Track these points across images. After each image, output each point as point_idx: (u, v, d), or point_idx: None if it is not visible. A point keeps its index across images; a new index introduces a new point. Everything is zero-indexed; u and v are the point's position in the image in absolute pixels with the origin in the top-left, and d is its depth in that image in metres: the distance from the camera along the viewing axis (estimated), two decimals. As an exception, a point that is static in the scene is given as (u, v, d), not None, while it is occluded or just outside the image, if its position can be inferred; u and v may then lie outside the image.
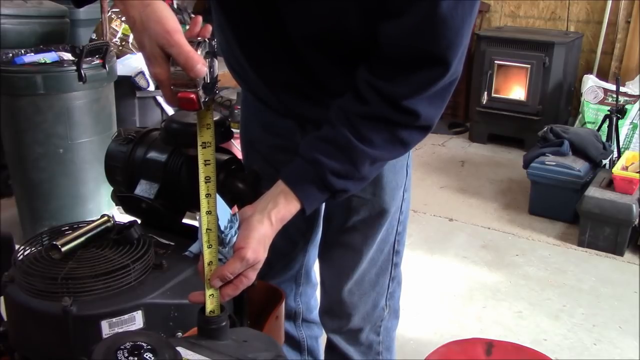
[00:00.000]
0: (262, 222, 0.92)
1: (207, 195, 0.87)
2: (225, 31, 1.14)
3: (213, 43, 0.83)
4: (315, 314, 1.61)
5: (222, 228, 0.87)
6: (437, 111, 0.99)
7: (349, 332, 1.37)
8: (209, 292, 0.85)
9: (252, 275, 0.90)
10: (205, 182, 0.87)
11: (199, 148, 0.87)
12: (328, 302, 1.38)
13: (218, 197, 0.88)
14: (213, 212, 0.86)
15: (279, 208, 0.94)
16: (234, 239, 0.89)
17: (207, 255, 0.86)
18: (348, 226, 1.27)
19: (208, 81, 0.81)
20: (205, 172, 0.87)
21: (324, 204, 1.36)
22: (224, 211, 0.89)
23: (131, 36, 3.22)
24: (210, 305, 0.85)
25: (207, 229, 0.86)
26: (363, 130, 0.96)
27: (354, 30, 0.95)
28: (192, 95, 0.80)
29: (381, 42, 0.93)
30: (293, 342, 1.59)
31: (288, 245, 1.42)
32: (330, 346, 1.42)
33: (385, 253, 1.32)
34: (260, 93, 1.21)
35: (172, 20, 0.81)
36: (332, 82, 1.07)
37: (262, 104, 1.23)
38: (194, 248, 1.01)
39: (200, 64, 0.78)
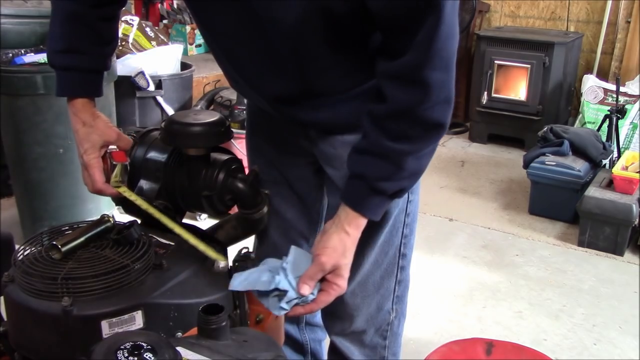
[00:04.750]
0: (338, 231, 1.01)
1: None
2: (213, 45, 1.14)
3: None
4: (319, 317, 1.60)
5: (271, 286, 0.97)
6: (445, 75, 0.96)
7: (353, 334, 1.36)
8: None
9: (340, 282, 1.00)
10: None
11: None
12: (330, 304, 1.38)
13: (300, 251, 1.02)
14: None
15: (349, 219, 1.03)
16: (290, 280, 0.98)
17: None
18: None
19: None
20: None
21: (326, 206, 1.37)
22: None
23: (131, 36, 3.22)
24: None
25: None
26: (394, 129, 0.97)
27: (336, 8, 0.94)
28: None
29: (374, 15, 0.93)
30: (296, 345, 1.58)
31: (288, 246, 1.42)
32: (333, 349, 1.41)
33: (391, 256, 1.31)
34: (259, 103, 1.21)
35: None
36: (322, 82, 1.07)
37: (263, 111, 1.24)
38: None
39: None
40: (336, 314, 1.36)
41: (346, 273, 1.01)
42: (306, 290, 0.96)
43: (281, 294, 0.97)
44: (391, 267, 1.32)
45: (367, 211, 1.03)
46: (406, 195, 1.27)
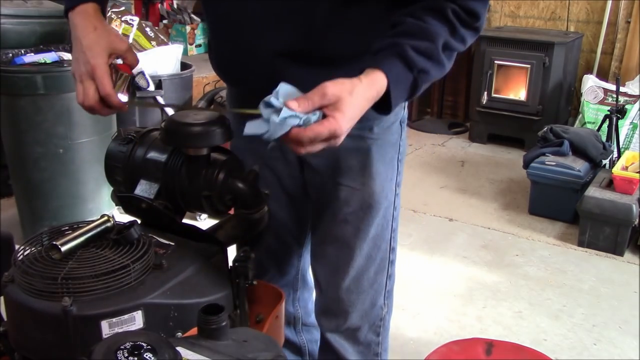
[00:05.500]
0: (350, 78, 0.93)
1: None
2: (217, 11, 1.14)
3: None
4: (313, 318, 1.61)
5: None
6: (485, 8, 1.02)
7: (347, 331, 1.36)
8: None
9: (338, 116, 0.89)
10: None
11: None
12: (325, 301, 1.37)
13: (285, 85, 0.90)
14: None
15: (368, 73, 0.95)
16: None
17: None
18: (339, 219, 1.26)
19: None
20: None
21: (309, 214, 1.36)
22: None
23: (131, 36, 3.22)
24: None
25: None
26: (427, 19, 0.99)
27: None
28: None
29: None
30: (294, 348, 1.58)
31: (280, 248, 1.42)
32: (327, 347, 1.41)
33: (383, 250, 1.32)
34: (250, 75, 1.18)
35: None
36: (328, 39, 1.07)
37: (248, 91, 1.23)
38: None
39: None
40: (331, 311, 1.36)
41: (347, 111, 0.90)
42: (294, 105, 0.87)
43: (275, 111, 0.89)
44: (383, 262, 1.33)
45: (388, 70, 0.95)
46: (393, 188, 1.28)
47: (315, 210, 1.32)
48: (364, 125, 1.15)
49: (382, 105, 0.97)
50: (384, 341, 1.41)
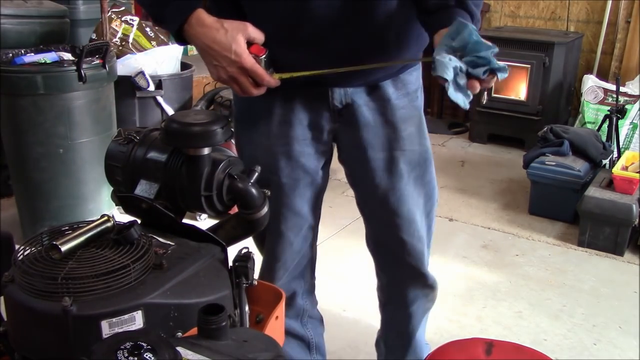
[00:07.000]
0: None
1: None
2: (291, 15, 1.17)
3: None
4: (316, 310, 1.62)
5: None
6: None
7: (424, 277, 1.58)
8: None
9: None
10: None
11: None
12: (413, 253, 1.53)
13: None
14: None
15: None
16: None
17: None
18: (406, 178, 1.39)
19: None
20: None
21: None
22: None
23: (131, 36, 3.21)
24: None
25: None
26: None
27: None
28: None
29: None
30: (303, 342, 1.60)
31: (302, 242, 1.44)
32: (400, 303, 1.57)
33: (436, 193, 1.51)
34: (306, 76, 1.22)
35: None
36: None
37: (301, 84, 1.25)
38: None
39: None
40: (415, 256, 1.55)
41: None
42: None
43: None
44: (433, 206, 1.53)
45: (467, 21, 1.13)
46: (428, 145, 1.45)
47: (372, 180, 1.38)
48: (414, 95, 1.35)
49: None
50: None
